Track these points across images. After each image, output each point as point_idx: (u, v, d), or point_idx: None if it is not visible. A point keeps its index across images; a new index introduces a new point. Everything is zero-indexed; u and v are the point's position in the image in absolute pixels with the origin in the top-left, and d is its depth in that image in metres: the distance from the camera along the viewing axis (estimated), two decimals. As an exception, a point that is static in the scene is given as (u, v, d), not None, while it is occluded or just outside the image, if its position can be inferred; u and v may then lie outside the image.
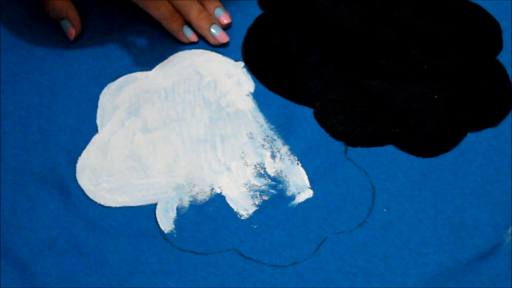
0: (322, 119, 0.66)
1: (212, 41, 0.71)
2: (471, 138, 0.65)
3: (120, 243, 0.59)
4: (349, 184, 0.62)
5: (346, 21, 0.72)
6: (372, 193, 0.62)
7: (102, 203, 0.61)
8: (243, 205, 0.61)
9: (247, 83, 0.69)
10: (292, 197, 0.62)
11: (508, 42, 0.71)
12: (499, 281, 0.57)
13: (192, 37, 0.71)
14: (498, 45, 0.71)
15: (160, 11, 0.70)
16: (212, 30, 0.70)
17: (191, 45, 0.71)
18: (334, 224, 0.60)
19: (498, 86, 0.69)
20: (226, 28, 0.72)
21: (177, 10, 0.71)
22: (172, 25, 0.71)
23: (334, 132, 0.65)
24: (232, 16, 0.73)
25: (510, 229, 0.60)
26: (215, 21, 0.71)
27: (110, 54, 0.71)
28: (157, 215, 0.61)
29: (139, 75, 0.69)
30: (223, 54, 0.71)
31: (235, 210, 0.61)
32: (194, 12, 0.71)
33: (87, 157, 0.64)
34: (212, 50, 0.71)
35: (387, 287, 0.57)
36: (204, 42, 0.72)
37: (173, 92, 0.68)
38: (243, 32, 0.72)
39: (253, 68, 0.70)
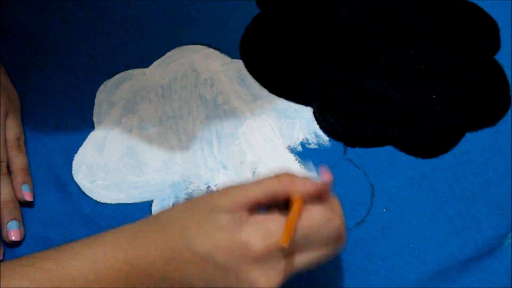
0: (320, 118, 0.66)
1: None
2: (469, 138, 0.65)
3: (117, 241, 0.58)
4: (348, 184, 0.62)
5: (345, 21, 0.72)
6: (371, 193, 0.61)
7: (98, 200, 0.61)
8: (241, 203, 0.61)
9: (245, 81, 0.68)
10: (290, 196, 0.61)
11: (506, 42, 0.71)
12: (499, 281, 0.57)
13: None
14: (496, 45, 0.71)
15: None
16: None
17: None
18: (332, 223, 0.60)
19: (496, 85, 0.68)
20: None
21: None
22: None
23: (333, 132, 0.65)
24: (230, 14, 0.73)
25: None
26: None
27: (107, 51, 0.70)
28: (153, 212, 0.60)
29: (136, 72, 0.69)
30: (221, 51, 0.70)
31: (233, 208, 0.61)
32: None
33: (84, 154, 0.63)
34: (209, 47, 0.71)
35: (385, 286, 0.57)
36: (203, 39, 0.71)
37: (169, 89, 0.68)
38: (241, 30, 0.72)
39: (251, 67, 0.69)
